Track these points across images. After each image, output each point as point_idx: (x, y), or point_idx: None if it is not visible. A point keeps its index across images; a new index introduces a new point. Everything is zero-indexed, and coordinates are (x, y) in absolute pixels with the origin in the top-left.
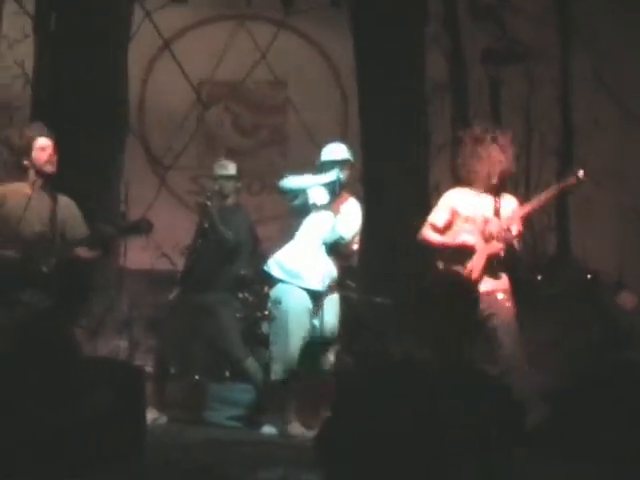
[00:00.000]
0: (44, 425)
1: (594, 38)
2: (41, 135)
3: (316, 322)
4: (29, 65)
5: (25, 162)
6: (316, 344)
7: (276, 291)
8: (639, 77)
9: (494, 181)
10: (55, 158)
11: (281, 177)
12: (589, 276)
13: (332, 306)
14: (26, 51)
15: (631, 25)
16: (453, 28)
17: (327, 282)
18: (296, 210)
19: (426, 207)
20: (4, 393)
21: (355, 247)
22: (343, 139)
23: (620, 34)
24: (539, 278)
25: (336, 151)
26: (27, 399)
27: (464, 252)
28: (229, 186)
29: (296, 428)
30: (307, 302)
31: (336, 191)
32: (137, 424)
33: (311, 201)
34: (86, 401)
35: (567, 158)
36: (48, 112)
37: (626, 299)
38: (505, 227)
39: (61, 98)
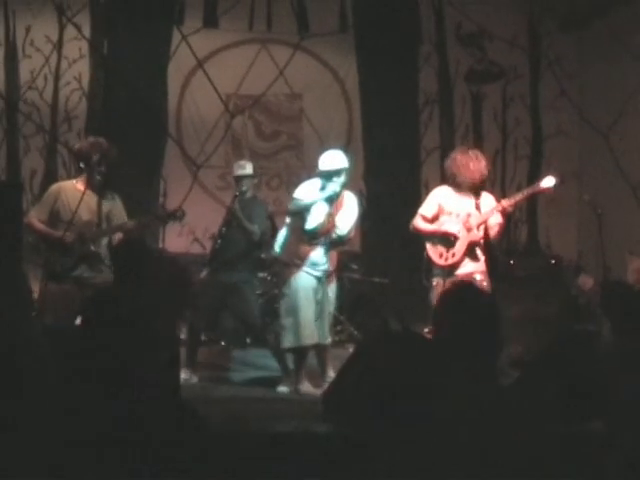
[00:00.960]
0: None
1: (558, 60)
2: (99, 151)
3: (319, 299)
4: (85, 81)
5: (82, 165)
6: (319, 318)
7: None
8: (596, 91)
9: (475, 184)
10: (104, 170)
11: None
12: (553, 261)
13: (332, 287)
14: (83, 69)
15: (587, 47)
16: (442, 50)
17: (327, 268)
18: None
19: (417, 200)
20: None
21: (351, 234)
22: (348, 143)
23: (580, 55)
24: (512, 262)
25: (332, 161)
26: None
27: (447, 238)
28: (247, 183)
29: (306, 387)
30: (312, 283)
31: (334, 200)
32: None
33: (313, 220)
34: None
35: (536, 161)
36: (100, 120)
37: (584, 281)
38: (483, 220)
39: (111, 108)
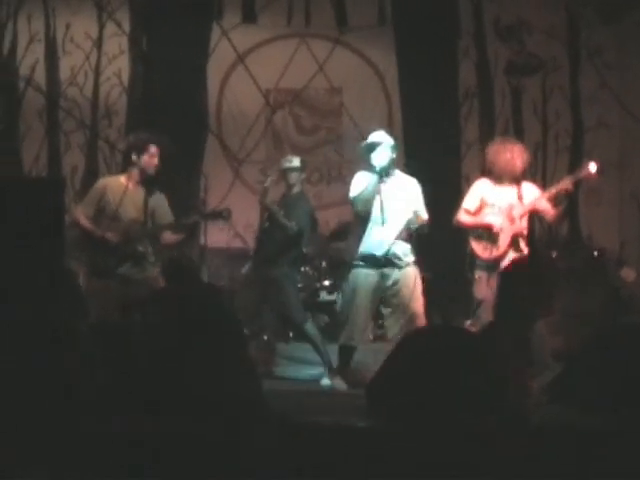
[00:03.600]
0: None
1: (597, 51)
2: (154, 143)
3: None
4: (125, 77)
5: (134, 158)
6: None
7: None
8: (637, 82)
9: (515, 175)
10: (157, 164)
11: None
12: (596, 253)
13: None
14: (123, 65)
15: (627, 37)
16: (481, 44)
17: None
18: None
19: (459, 194)
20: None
21: (425, 217)
22: None
23: (620, 46)
24: (554, 255)
25: (377, 135)
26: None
27: (490, 231)
28: (293, 177)
29: (337, 383)
30: (373, 281)
31: (384, 175)
32: None
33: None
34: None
35: (577, 153)
36: (140, 115)
37: (627, 273)
38: (527, 210)
39: (151, 104)
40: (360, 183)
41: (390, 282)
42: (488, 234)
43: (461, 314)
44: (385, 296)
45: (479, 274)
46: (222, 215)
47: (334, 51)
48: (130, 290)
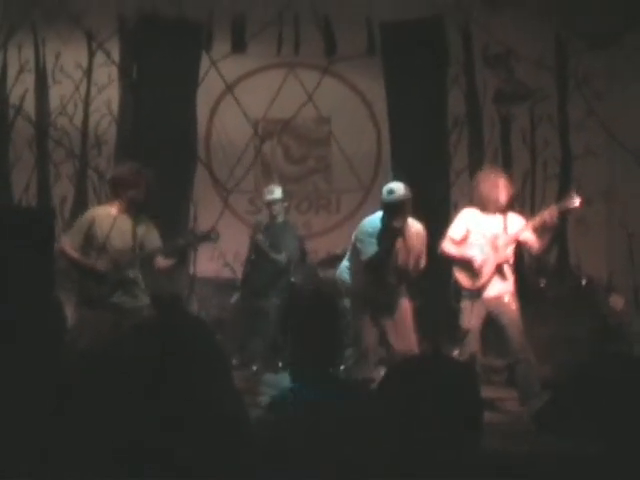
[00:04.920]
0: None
1: (586, 79)
2: (141, 174)
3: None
4: (115, 106)
5: (121, 189)
6: None
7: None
8: (626, 110)
9: (501, 204)
10: (144, 194)
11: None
12: (584, 281)
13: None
14: (112, 94)
15: (616, 66)
16: (469, 72)
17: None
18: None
19: (448, 223)
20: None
21: (421, 265)
22: (376, 166)
23: (609, 74)
24: (543, 283)
25: (398, 190)
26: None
27: (471, 264)
28: (277, 208)
29: None
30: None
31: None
32: None
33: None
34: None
35: (566, 181)
36: (130, 145)
37: (615, 301)
38: (511, 239)
39: (141, 133)
40: (371, 244)
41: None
42: (471, 264)
43: (449, 342)
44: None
45: (464, 304)
46: (210, 237)
47: (323, 80)
48: (122, 319)
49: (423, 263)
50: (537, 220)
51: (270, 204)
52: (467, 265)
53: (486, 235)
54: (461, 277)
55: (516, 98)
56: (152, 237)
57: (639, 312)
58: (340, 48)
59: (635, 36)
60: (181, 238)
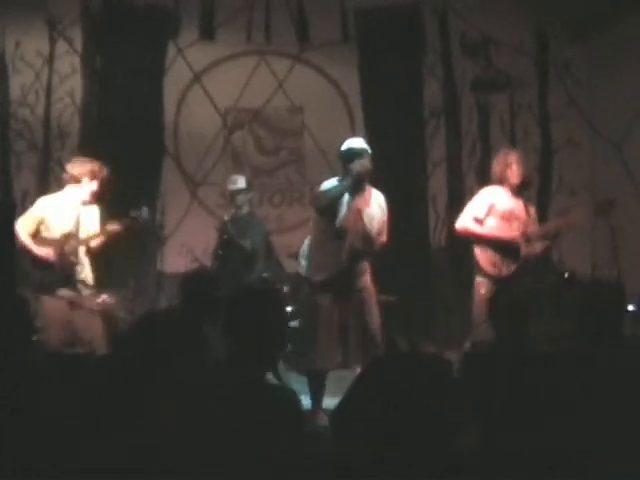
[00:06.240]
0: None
1: (567, 67)
2: (98, 170)
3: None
4: (78, 96)
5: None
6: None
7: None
8: (608, 100)
9: (526, 184)
10: (98, 191)
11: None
12: (566, 275)
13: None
14: (75, 84)
15: (598, 54)
16: (447, 60)
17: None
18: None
19: (425, 214)
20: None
21: (383, 238)
22: None
23: (590, 62)
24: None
25: (353, 142)
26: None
27: (503, 244)
28: (240, 198)
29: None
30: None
31: (360, 188)
32: None
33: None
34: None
35: (546, 172)
36: (94, 137)
37: None
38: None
39: (105, 124)
40: (332, 183)
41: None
42: (500, 248)
43: (427, 339)
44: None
45: (480, 279)
46: (141, 217)
47: (295, 68)
48: (73, 311)
49: (384, 237)
50: (543, 230)
51: (234, 194)
52: (496, 247)
53: (519, 218)
54: (484, 261)
55: (495, 87)
56: (91, 222)
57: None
58: (313, 35)
59: (617, 22)
60: (123, 220)
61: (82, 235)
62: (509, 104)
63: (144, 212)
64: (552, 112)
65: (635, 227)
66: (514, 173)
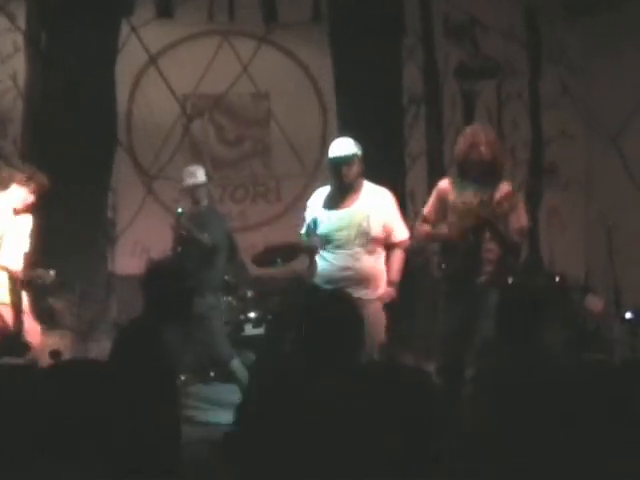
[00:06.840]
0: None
1: (561, 53)
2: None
3: None
4: (21, 79)
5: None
6: None
7: None
8: (604, 88)
9: (484, 165)
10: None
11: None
12: (557, 279)
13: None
14: (18, 65)
15: (594, 39)
16: (428, 43)
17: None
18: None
19: (403, 212)
20: None
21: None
22: (322, 149)
23: (586, 48)
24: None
25: (341, 147)
26: None
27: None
28: (200, 192)
29: None
30: None
31: (345, 190)
32: None
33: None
34: None
35: (537, 167)
36: (39, 124)
37: (593, 303)
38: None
39: (51, 111)
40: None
41: None
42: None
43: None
44: None
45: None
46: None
47: (260, 50)
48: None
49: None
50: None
51: (192, 189)
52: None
53: (466, 203)
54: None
55: (481, 74)
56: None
57: (620, 315)
58: (281, 14)
59: (612, 9)
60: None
61: (4, 247)
62: (496, 92)
63: (48, 277)
64: (544, 101)
65: (632, 227)
66: (470, 153)
